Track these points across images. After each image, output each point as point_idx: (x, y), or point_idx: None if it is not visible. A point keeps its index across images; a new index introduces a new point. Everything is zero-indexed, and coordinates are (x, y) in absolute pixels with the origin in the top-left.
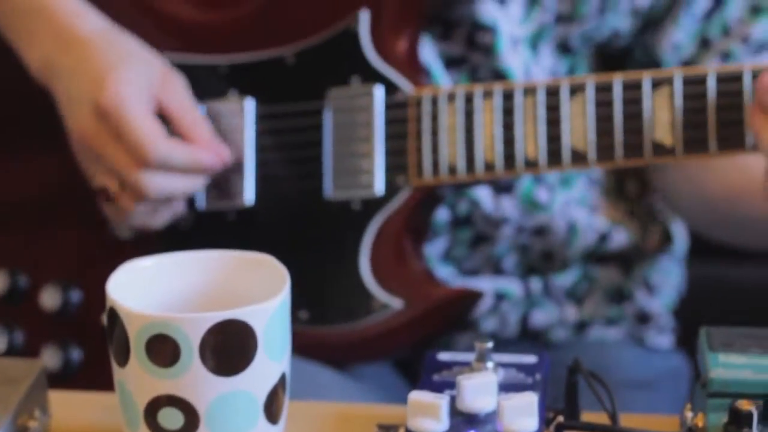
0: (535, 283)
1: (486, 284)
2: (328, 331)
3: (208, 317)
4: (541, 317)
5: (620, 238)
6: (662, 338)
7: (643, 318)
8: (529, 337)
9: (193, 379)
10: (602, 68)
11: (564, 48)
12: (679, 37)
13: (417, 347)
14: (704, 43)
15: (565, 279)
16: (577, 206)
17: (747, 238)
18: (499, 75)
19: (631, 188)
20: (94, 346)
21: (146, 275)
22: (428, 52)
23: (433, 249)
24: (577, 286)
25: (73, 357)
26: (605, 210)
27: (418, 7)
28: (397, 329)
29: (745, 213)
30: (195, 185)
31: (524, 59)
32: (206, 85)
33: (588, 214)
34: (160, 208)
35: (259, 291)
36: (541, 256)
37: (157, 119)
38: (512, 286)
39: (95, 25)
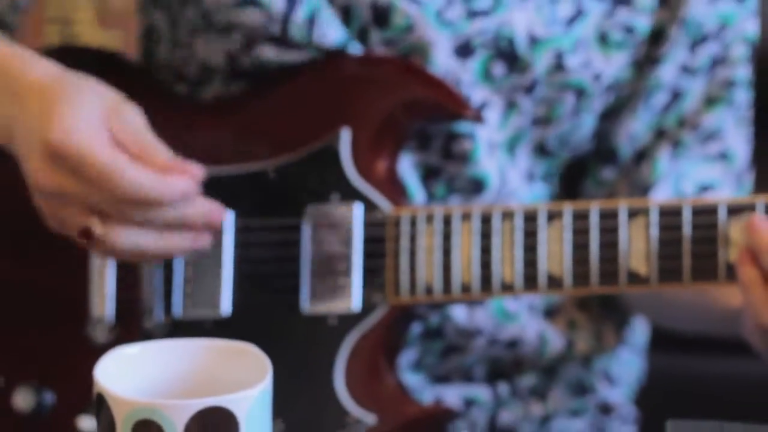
0: (503, 387)
1: (455, 391)
2: None
3: (192, 404)
4: (508, 416)
5: (584, 338)
6: (625, 429)
7: (606, 409)
8: None
9: None
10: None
11: (541, 150)
12: (636, 127)
13: None
14: (659, 134)
15: (529, 379)
16: (542, 317)
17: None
18: (476, 181)
19: None
20: None
21: (132, 362)
22: (405, 164)
23: (404, 358)
24: (541, 384)
25: None
26: (566, 313)
27: (398, 126)
28: None
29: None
30: (165, 242)
31: (500, 163)
32: None
33: (553, 323)
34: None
35: (242, 379)
36: (511, 364)
37: (117, 148)
38: (481, 391)
39: (45, 71)
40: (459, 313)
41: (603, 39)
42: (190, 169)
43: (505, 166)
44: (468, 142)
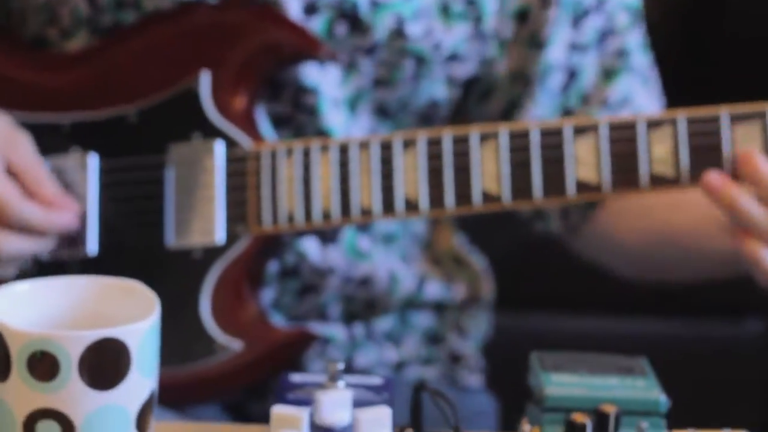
0: (358, 328)
1: (312, 330)
2: (171, 372)
3: (87, 335)
4: (363, 358)
5: (434, 287)
6: (473, 378)
7: (456, 359)
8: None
9: (71, 394)
10: None
11: (382, 112)
12: (540, 113)
13: (250, 389)
14: (566, 113)
15: (385, 323)
16: (396, 258)
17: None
18: (322, 134)
19: (441, 241)
20: None
21: (22, 299)
22: (260, 113)
23: (263, 298)
24: (396, 329)
25: None
26: (421, 262)
27: (256, 67)
28: (237, 370)
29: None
30: (46, 245)
31: (344, 120)
32: (49, 143)
33: (406, 265)
34: (7, 263)
35: (130, 314)
36: (364, 304)
37: (9, 178)
38: (337, 330)
39: None
40: (313, 252)
41: (445, 10)
42: (72, 207)
43: (347, 123)
44: (313, 97)
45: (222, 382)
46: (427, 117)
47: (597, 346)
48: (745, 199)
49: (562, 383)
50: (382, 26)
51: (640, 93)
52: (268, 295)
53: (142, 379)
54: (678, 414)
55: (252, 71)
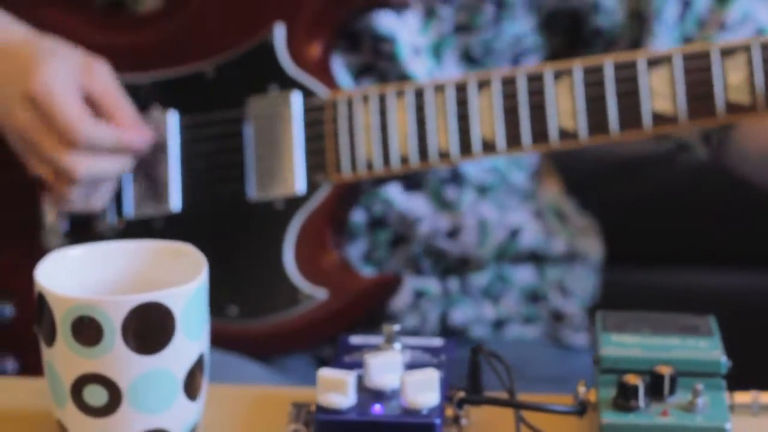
0: (453, 283)
1: (407, 283)
2: (257, 324)
3: (129, 300)
4: (459, 315)
5: (530, 238)
6: (578, 336)
7: (559, 317)
8: (449, 335)
9: (116, 358)
10: None
11: (468, 58)
12: (662, 44)
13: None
14: (686, 41)
15: (481, 279)
16: (489, 208)
17: None
18: (405, 80)
19: (545, 193)
20: (29, 358)
21: (73, 264)
22: (338, 63)
23: (354, 251)
24: (493, 285)
25: (8, 369)
26: (518, 213)
27: (329, 17)
28: (323, 319)
29: None
30: (122, 165)
31: (428, 67)
32: (130, 102)
33: (500, 214)
34: (95, 191)
35: (179, 277)
36: (457, 257)
37: (83, 103)
38: (431, 284)
39: (14, 32)
40: (399, 199)
41: None
42: (145, 133)
43: (433, 70)
44: (390, 45)
45: (308, 332)
46: (518, 62)
47: (706, 302)
48: None
49: (619, 343)
50: None
51: (759, 9)
52: (359, 247)
53: (189, 342)
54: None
55: (325, 21)
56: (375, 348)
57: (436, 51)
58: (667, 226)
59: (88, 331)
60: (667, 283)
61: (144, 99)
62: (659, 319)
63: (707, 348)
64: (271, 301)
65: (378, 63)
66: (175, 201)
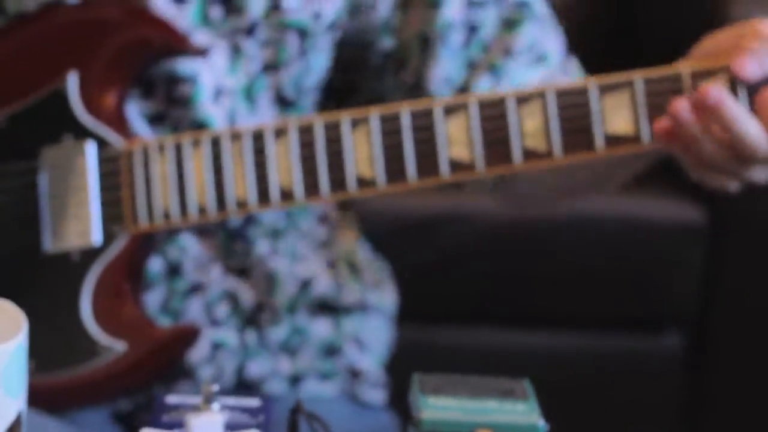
0: (250, 335)
1: (203, 335)
2: (55, 378)
3: None
4: (256, 368)
5: (322, 285)
6: (375, 393)
7: (355, 373)
8: (245, 389)
9: None
10: None
11: (282, 100)
12: (445, 71)
13: (138, 391)
14: (471, 66)
15: (278, 331)
16: (282, 255)
17: None
18: (200, 126)
19: (341, 243)
20: None
21: None
22: (132, 113)
23: (151, 300)
24: (290, 339)
25: None
26: (310, 262)
27: (123, 66)
28: (120, 371)
29: None
30: None
31: (232, 110)
32: None
33: (291, 262)
34: None
35: None
36: (251, 309)
37: None
38: (228, 336)
39: None
40: (193, 245)
41: None
42: None
43: (240, 114)
44: (189, 86)
45: (106, 385)
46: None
47: (505, 361)
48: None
49: (438, 407)
50: (257, 2)
51: (545, 37)
52: (156, 297)
53: (8, 399)
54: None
55: (119, 69)
56: (193, 408)
57: (249, 94)
58: (466, 284)
59: None
60: (467, 341)
61: None
62: (475, 383)
63: (525, 411)
64: (69, 355)
65: (171, 110)
66: None
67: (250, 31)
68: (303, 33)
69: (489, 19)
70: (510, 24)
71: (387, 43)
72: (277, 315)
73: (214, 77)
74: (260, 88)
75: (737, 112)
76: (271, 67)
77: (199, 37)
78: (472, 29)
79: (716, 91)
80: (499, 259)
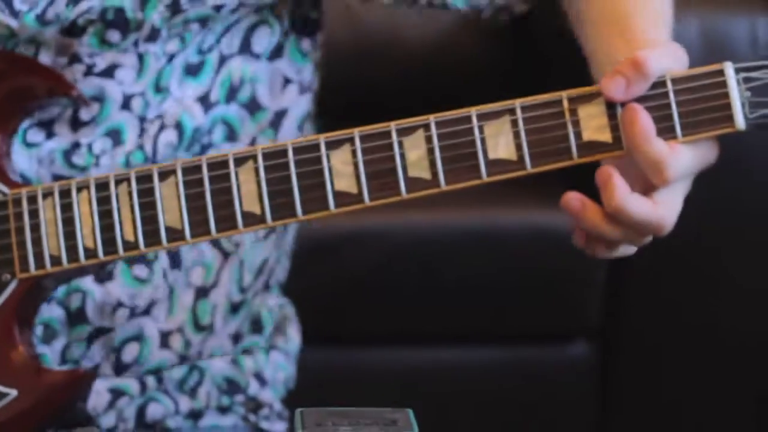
0: (149, 379)
1: (102, 384)
2: None
3: None
4: (157, 409)
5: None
6: (276, 424)
7: (256, 406)
8: (146, 429)
9: None
10: None
11: (188, 69)
12: None
13: None
14: None
15: (176, 372)
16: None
17: None
18: (113, 134)
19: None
20: None
21: None
22: (33, 160)
23: (51, 350)
24: (188, 378)
25: None
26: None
27: (6, 114)
28: (12, 419)
29: None
30: None
31: (143, 108)
32: None
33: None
34: None
35: None
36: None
37: None
38: (128, 382)
39: None
40: (96, 290)
41: None
42: None
43: (152, 105)
44: (95, 107)
45: None
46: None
47: (412, 379)
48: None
49: None
50: (155, 14)
51: None
52: (57, 346)
53: None
54: None
55: (3, 119)
56: None
57: (157, 85)
58: (372, 304)
59: None
60: (362, 363)
61: None
62: (358, 414)
63: None
64: None
65: (80, 135)
66: None
67: (151, 37)
68: (205, 20)
69: None
70: None
71: None
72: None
73: (120, 90)
74: (168, 72)
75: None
76: (177, 52)
77: (103, 59)
78: None
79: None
80: (404, 276)
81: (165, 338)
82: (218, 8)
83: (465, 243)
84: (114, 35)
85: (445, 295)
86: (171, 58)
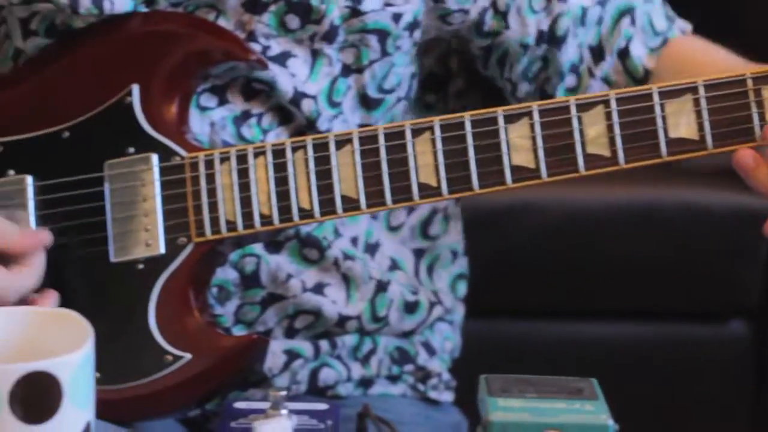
0: (323, 343)
1: (276, 344)
2: (120, 389)
3: (15, 368)
4: (329, 374)
5: (396, 290)
6: (443, 394)
7: (425, 375)
8: (317, 392)
9: (3, 428)
10: None
11: (365, 101)
12: (570, 54)
13: (207, 401)
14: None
15: (350, 339)
16: (356, 260)
17: None
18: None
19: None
20: None
21: None
22: (218, 119)
23: (225, 311)
24: (362, 345)
25: None
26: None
27: (185, 76)
28: (187, 383)
29: None
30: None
31: (313, 114)
32: None
33: (363, 265)
34: None
35: (63, 344)
36: (331, 319)
37: None
38: (303, 345)
39: None
40: (268, 257)
41: None
42: (44, 238)
43: (324, 117)
44: (266, 91)
45: (172, 395)
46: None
47: (569, 355)
48: None
49: (506, 408)
50: (335, 10)
51: None
52: (230, 307)
53: (76, 410)
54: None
55: (181, 81)
56: (261, 413)
57: (330, 97)
58: (528, 278)
59: None
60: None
61: None
62: (542, 383)
63: (594, 411)
64: (134, 366)
65: (251, 106)
66: None
67: (328, 36)
68: (383, 35)
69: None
70: None
71: (482, 42)
72: (353, 322)
73: (292, 83)
74: (342, 91)
75: None
76: (353, 69)
77: (277, 44)
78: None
79: None
80: (562, 251)
81: (342, 321)
82: (397, 18)
83: (625, 219)
84: (293, 21)
85: (602, 270)
86: (344, 70)
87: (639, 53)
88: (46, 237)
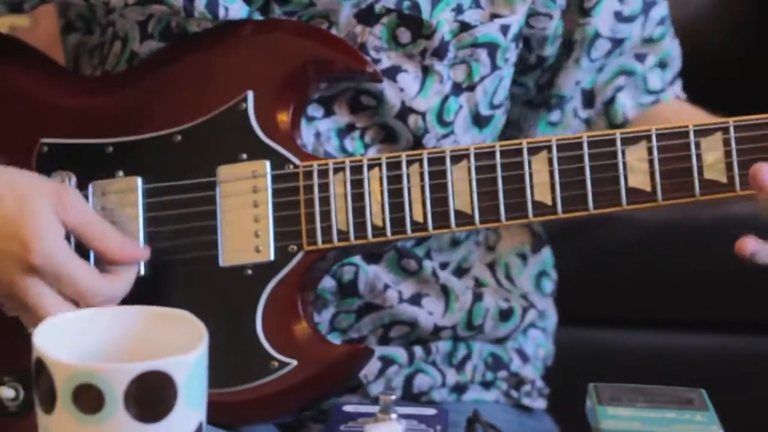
0: (418, 350)
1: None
2: (225, 392)
3: (132, 367)
4: (424, 380)
5: (490, 300)
6: (536, 401)
7: (518, 382)
8: (411, 398)
9: (117, 426)
10: None
11: (477, 119)
12: (581, 76)
13: (309, 408)
14: (600, 69)
15: (444, 345)
16: (449, 273)
17: None
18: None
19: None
20: None
21: (70, 328)
22: (322, 129)
23: (320, 319)
24: (456, 351)
25: None
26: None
27: (300, 85)
28: (291, 389)
29: None
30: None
31: (421, 131)
32: (94, 167)
33: (459, 278)
34: None
35: (178, 345)
36: (426, 330)
37: (82, 260)
38: (397, 352)
39: None
40: (367, 267)
41: None
42: (139, 253)
43: (431, 135)
44: (373, 104)
45: (277, 402)
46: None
47: (665, 365)
48: None
49: (617, 417)
50: (445, 25)
51: (673, 47)
52: (325, 315)
53: (190, 411)
54: None
55: (295, 89)
56: (370, 417)
57: (440, 115)
58: (625, 287)
59: (89, 398)
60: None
61: (109, 164)
62: (651, 392)
63: (705, 422)
64: (240, 370)
65: (356, 118)
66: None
67: (439, 53)
68: (493, 48)
69: (634, 33)
70: (651, 39)
71: (550, 50)
72: (449, 332)
73: (400, 97)
74: (453, 110)
75: None
76: (464, 88)
77: (388, 57)
78: (616, 42)
79: None
80: (649, 259)
81: (437, 330)
82: (505, 30)
83: (712, 229)
84: (404, 35)
85: (689, 280)
86: (455, 88)
87: (625, 102)
88: (144, 253)
